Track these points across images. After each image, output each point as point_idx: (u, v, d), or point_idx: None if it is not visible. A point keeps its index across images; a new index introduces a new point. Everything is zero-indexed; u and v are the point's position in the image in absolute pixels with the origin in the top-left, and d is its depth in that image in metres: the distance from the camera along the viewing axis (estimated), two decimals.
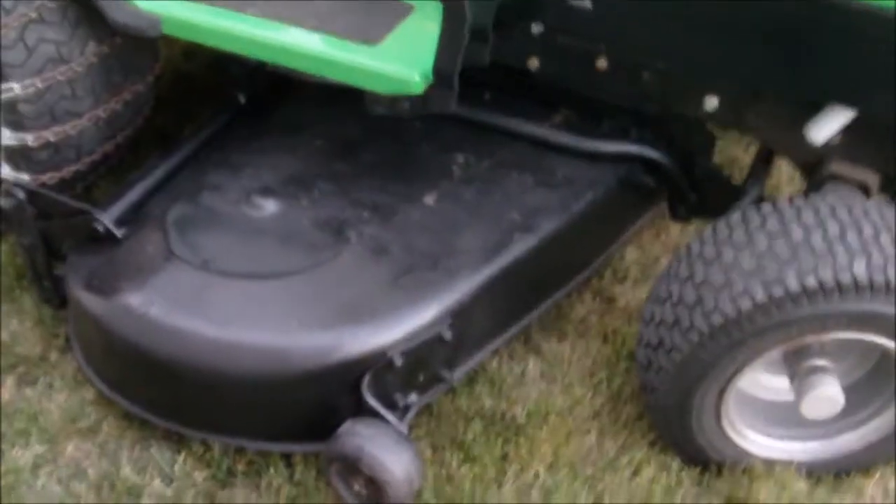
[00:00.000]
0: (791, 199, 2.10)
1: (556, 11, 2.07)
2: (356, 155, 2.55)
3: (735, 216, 2.09)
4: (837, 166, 2.22)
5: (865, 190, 2.23)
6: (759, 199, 2.39)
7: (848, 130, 2.04)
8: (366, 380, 2.16)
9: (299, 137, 2.64)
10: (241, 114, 2.74)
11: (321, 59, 2.26)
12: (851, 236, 1.92)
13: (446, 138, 2.52)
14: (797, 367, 2.14)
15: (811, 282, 1.89)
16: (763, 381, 2.33)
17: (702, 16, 1.97)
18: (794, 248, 1.94)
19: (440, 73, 2.11)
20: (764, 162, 2.46)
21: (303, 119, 2.71)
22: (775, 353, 2.13)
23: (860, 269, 1.88)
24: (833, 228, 1.94)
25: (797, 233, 1.95)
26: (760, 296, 1.94)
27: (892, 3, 1.83)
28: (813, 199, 2.06)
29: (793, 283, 1.91)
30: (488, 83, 2.47)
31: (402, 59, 2.19)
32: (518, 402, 2.56)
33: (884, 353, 2.16)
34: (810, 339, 2.05)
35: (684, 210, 2.56)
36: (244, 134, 2.68)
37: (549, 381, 2.62)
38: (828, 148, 2.05)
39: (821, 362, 2.12)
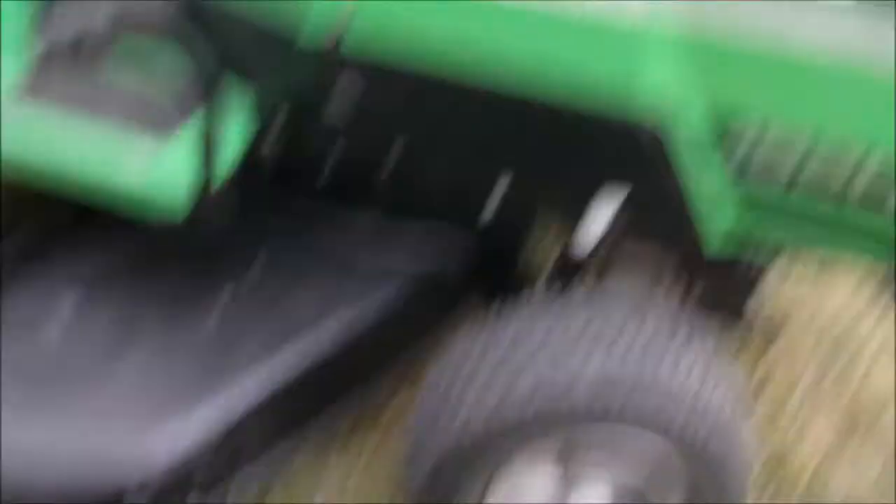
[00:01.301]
0: (544, 294, 2.07)
1: (333, 118, 2.03)
2: (143, 264, 2.44)
3: (495, 314, 2.01)
4: (623, 251, 2.21)
5: (656, 270, 2.22)
6: (558, 287, 2.30)
7: (625, 214, 2.02)
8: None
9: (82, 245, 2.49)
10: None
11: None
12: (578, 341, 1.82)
13: (246, 240, 2.43)
14: (566, 470, 1.98)
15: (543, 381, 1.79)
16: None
17: (463, 113, 1.95)
18: (533, 351, 1.84)
19: (203, 187, 2.06)
20: (567, 251, 2.41)
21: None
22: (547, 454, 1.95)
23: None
24: (572, 327, 1.85)
25: (539, 332, 1.88)
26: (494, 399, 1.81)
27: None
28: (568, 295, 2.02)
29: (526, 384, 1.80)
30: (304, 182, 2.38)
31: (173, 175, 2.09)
32: None
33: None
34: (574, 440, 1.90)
35: (498, 300, 2.45)
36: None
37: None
38: (610, 233, 2.02)
39: (590, 467, 1.96)
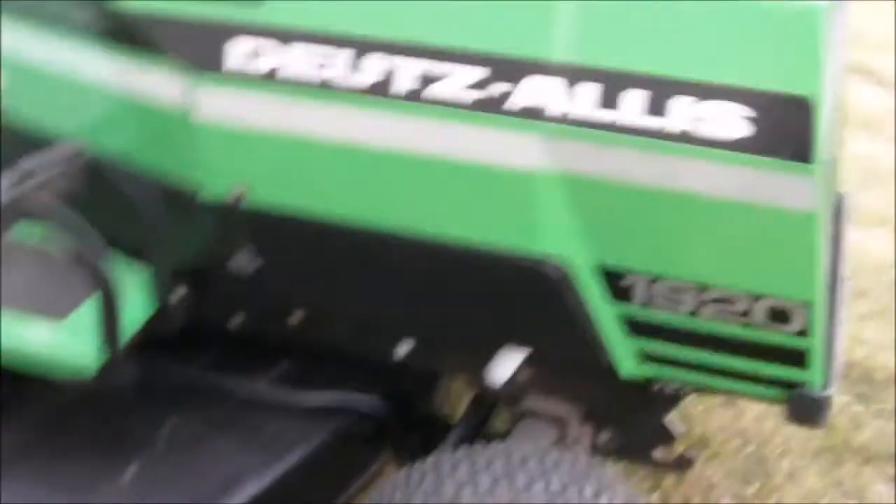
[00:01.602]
0: (454, 448, 2.01)
1: (231, 278, 2.04)
2: (55, 428, 2.37)
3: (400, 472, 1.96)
4: (531, 402, 2.21)
5: (562, 424, 2.22)
6: (469, 439, 2.30)
7: (530, 366, 2.04)
8: None
9: None
10: None
11: None
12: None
13: (157, 402, 2.37)
14: None
15: None
16: None
17: (364, 267, 1.97)
18: None
19: (107, 352, 2.03)
20: (478, 401, 2.40)
21: None
22: None
23: None
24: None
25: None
26: None
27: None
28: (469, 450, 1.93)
29: None
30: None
31: (80, 337, 2.05)
32: None
33: None
34: None
35: (409, 454, 2.40)
36: None
37: None
38: (515, 385, 2.04)
39: None
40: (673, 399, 2.10)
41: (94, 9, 1.96)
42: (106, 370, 2.05)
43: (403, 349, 2.10)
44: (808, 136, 1.59)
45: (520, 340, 1.97)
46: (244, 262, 2.02)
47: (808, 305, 1.73)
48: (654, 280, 1.78)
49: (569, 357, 1.95)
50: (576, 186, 1.73)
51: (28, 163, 1.93)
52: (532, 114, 1.69)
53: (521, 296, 1.87)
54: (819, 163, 1.60)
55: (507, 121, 1.71)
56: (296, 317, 2.13)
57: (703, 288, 1.76)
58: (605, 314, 1.85)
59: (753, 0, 1.62)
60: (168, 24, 1.87)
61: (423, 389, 2.45)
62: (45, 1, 2.05)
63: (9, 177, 1.88)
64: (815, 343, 1.78)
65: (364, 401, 2.35)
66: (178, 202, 2.02)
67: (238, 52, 1.82)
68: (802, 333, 1.76)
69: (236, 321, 2.20)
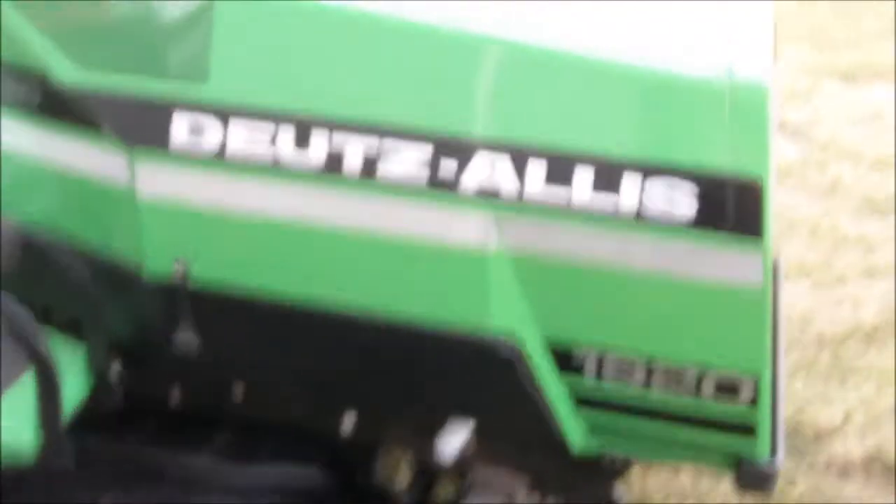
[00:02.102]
0: None
1: (171, 355, 1.99)
2: None
3: None
4: (478, 472, 2.19)
5: (510, 494, 2.20)
6: None
7: (478, 438, 2.04)
8: None
9: None
10: None
11: None
12: None
13: (95, 479, 2.26)
14: None
15: None
16: None
17: (308, 344, 1.94)
18: None
19: (45, 434, 1.97)
20: (421, 471, 2.38)
21: None
22: None
23: None
24: None
25: None
26: None
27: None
28: None
29: None
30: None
31: (16, 420, 1.97)
32: None
33: None
34: None
35: None
36: None
37: None
38: (463, 457, 2.04)
39: None
40: (620, 468, 2.11)
41: (33, 82, 1.92)
42: (45, 451, 1.99)
43: (348, 423, 2.07)
44: (756, 213, 1.61)
45: (468, 414, 1.95)
46: (185, 338, 1.98)
47: (756, 377, 1.75)
48: (603, 354, 1.79)
49: (518, 431, 1.94)
50: (525, 264, 1.74)
51: None
52: (483, 192, 1.69)
53: (471, 372, 1.86)
54: (768, 239, 1.62)
55: (458, 199, 1.70)
56: (237, 391, 2.09)
57: (652, 361, 1.77)
58: (555, 389, 1.84)
59: (698, 77, 1.65)
60: (109, 100, 1.84)
61: (365, 459, 2.43)
62: None
63: None
64: (763, 414, 1.79)
65: (305, 475, 2.29)
66: (118, 279, 1.98)
67: (181, 129, 1.79)
68: (751, 404, 1.78)
69: (176, 396, 2.15)
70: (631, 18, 1.83)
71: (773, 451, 1.88)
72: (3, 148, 2.00)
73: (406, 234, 1.76)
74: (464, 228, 1.73)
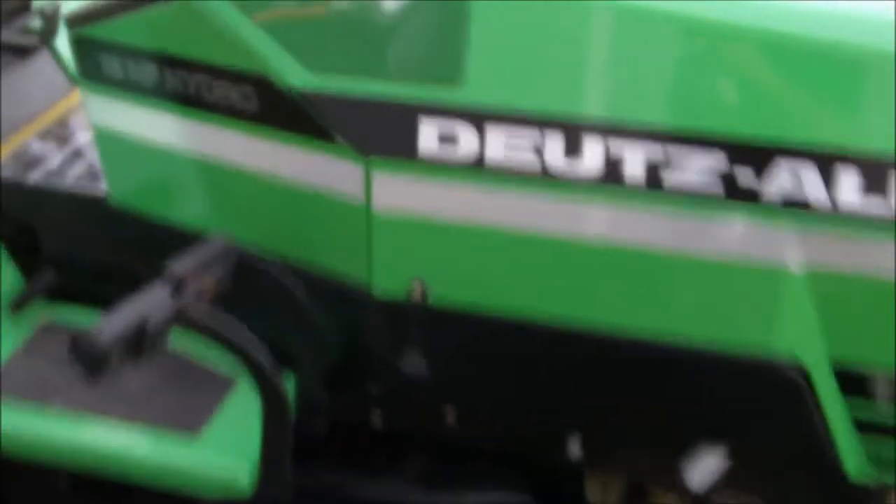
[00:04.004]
0: None
1: (392, 377, 1.86)
2: None
3: None
4: (719, 497, 1.99)
5: None
6: None
7: (733, 466, 1.88)
8: None
9: None
10: None
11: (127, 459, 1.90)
12: None
13: None
14: None
15: None
16: None
17: (546, 365, 1.80)
18: None
19: (268, 467, 1.85)
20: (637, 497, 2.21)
21: None
22: None
23: None
24: None
25: None
26: None
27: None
28: None
29: None
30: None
31: (226, 452, 1.88)
32: None
33: None
34: None
35: None
36: None
37: None
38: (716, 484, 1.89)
39: None
40: (880, 497, 1.95)
41: (251, 88, 1.76)
42: (264, 486, 1.85)
43: (574, 448, 1.92)
44: None
45: (729, 437, 1.79)
46: (414, 361, 1.83)
47: None
48: None
49: (788, 457, 1.78)
50: (824, 280, 1.57)
51: (179, 266, 1.72)
52: (789, 203, 1.52)
53: (745, 394, 1.70)
54: None
55: (758, 210, 1.54)
56: (450, 414, 1.94)
57: None
58: (838, 414, 1.68)
59: None
60: (344, 105, 1.68)
61: (573, 484, 2.28)
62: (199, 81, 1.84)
63: (163, 286, 1.67)
64: None
65: (514, 497, 2.15)
66: (342, 299, 1.83)
67: (430, 137, 1.63)
68: None
69: (378, 419, 2.00)
70: None
71: None
72: (214, 159, 1.85)
73: (693, 251, 1.60)
74: (762, 243, 1.56)
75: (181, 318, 1.66)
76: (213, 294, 1.74)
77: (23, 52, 2.56)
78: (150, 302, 1.63)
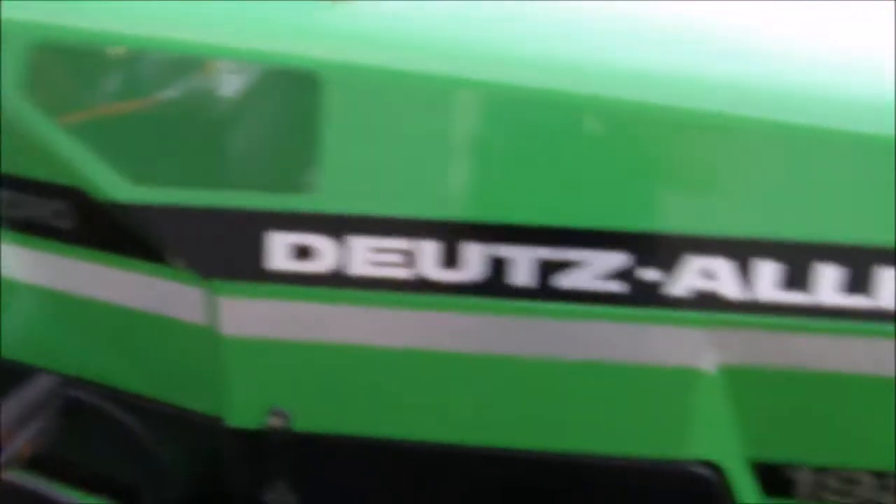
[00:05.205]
0: None
1: None
2: None
3: None
4: None
5: None
6: None
7: None
8: None
9: None
10: None
11: None
12: None
13: None
14: None
15: None
16: None
17: (433, 488, 1.60)
18: None
19: None
20: None
21: None
22: None
23: None
24: None
25: None
26: None
27: None
28: None
29: None
30: None
31: None
32: None
33: None
34: None
35: None
36: None
37: None
38: None
39: None
40: None
41: (68, 204, 1.50)
42: None
43: None
44: None
45: None
46: (280, 495, 1.61)
47: None
48: (821, 472, 1.49)
49: None
50: (741, 380, 1.42)
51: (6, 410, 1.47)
52: (698, 304, 1.36)
53: (661, 502, 1.55)
54: None
55: (664, 314, 1.37)
56: None
57: (885, 475, 1.48)
58: None
59: None
60: (178, 221, 1.44)
61: None
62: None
63: None
64: None
65: None
66: (190, 432, 1.60)
67: (281, 252, 1.41)
68: None
69: None
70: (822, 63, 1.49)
71: None
72: (38, 286, 1.58)
73: (593, 359, 1.42)
74: (669, 347, 1.39)
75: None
76: (33, 450, 1.48)
77: None
78: None
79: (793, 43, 1.48)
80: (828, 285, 1.33)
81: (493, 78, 1.35)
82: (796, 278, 1.34)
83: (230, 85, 1.41)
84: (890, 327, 1.34)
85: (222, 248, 1.43)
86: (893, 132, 1.30)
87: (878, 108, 1.32)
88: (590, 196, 1.35)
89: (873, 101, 1.34)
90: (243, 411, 1.53)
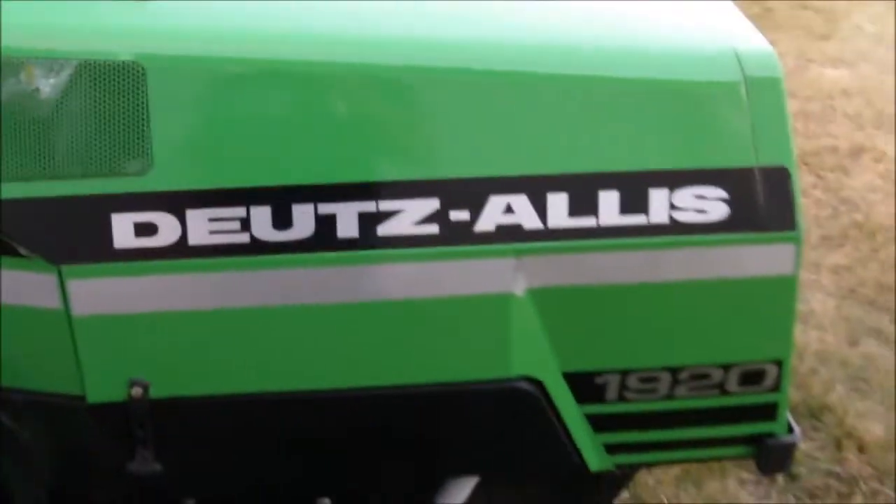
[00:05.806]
0: None
1: (123, 480, 1.72)
2: None
3: None
4: None
5: None
6: None
7: (485, 486, 1.90)
8: None
9: None
10: None
11: None
12: None
13: None
14: None
15: None
16: None
17: (283, 436, 1.75)
18: None
19: None
20: None
21: None
22: None
23: None
24: None
25: None
26: None
27: None
28: None
29: None
30: None
31: None
32: None
33: None
34: None
35: None
36: None
37: None
38: None
39: None
40: (626, 477, 2.04)
41: None
42: None
43: None
44: (788, 203, 1.56)
45: (478, 464, 1.82)
46: (143, 463, 1.72)
47: (780, 363, 1.71)
48: (626, 376, 1.70)
49: (534, 467, 1.83)
50: (548, 301, 1.61)
51: None
52: (502, 236, 1.55)
53: (486, 422, 1.73)
54: (800, 227, 1.58)
55: (474, 249, 1.55)
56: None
57: (677, 371, 1.70)
58: (575, 421, 1.74)
59: (709, 79, 1.57)
60: (21, 212, 1.54)
61: None
62: None
63: None
64: (785, 394, 1.77)
65: None
66: (53, 412, 1.69)
67: (126, 231, 1.53)
68: (774, 389, 1.74)
69: None
70: (614, 27, 1.71)
71: (791, 428, 1.86)
72: None
73: (418, 297, 1.59)
74: (482, 278, 1.58)
75: None
76: None
77: None
78: None
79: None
80: (609, 209, 1.54)
81: (267, 55, 1.53)
82: (583, 205, 1.54)
83: (59, 83, 1.52)
84: (663, 239, 1.56)
85: (69, 235, 1.54)
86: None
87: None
88: (398, 151, 1.53)
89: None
90: (103, 386, 1.64)
